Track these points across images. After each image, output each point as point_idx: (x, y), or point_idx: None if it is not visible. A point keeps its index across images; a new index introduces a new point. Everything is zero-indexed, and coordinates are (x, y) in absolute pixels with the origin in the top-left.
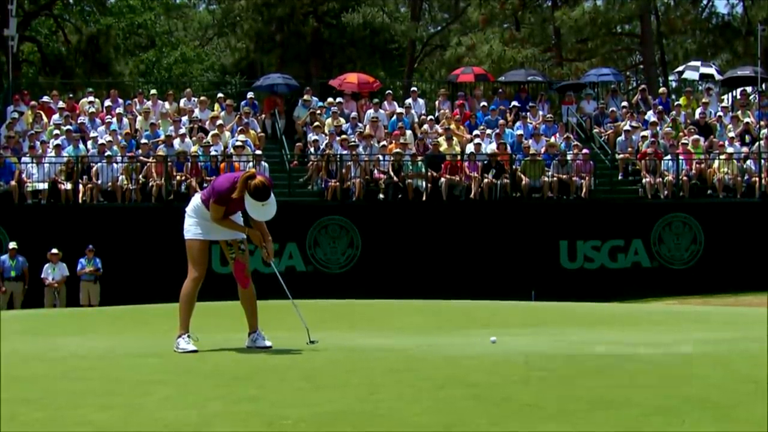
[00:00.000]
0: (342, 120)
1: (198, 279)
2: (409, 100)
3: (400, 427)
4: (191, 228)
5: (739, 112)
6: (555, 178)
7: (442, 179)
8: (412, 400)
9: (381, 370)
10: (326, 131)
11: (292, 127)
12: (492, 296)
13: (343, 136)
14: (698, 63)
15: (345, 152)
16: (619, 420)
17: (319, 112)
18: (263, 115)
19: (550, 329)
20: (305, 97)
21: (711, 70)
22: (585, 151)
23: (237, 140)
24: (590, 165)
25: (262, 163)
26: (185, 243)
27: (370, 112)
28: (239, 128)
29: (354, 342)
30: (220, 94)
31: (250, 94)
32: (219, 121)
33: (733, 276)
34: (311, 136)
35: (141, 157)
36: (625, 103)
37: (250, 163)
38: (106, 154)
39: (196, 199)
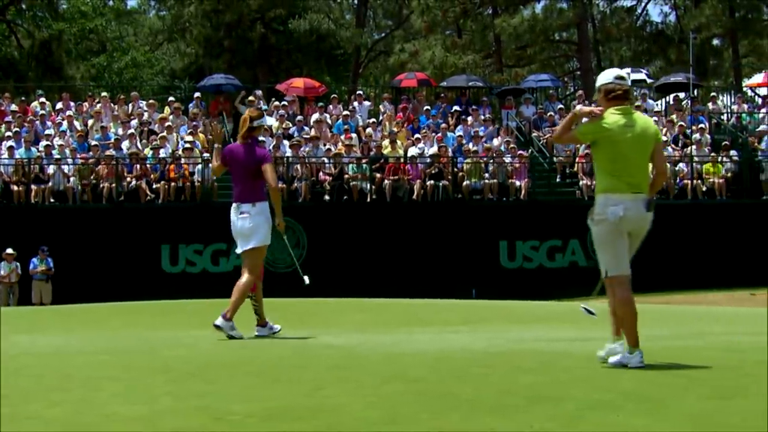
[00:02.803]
0: (288, 123)
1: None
2: (354, 104)
3: (345, 422)
4: (268, 234)
5: (673, 117)
6: (495, 180)
7: (386, 181)
8: (356, 395)
9: (327, 366)
10: (273, 134)
11: None
12: (434, 295)
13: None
14: (628, 70)
15: (291, 154)
16: (556, 414)
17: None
18: (212, 118)
19: (490, 327)
20: (250, 97)
21: (641, 76)
22: (524, 153)
23: (185, 142)
24: (528, 167)
25: (210, 166)
26: (258, 249)
27: (316, 115)
28: (188, 130)
29: (302, 339)
30: (170, 98)
31: (197, 94)
32: (168, 123)
33: (667, 275)
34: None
35: (92, 159)
36: (562, 107)
37: (199, 165)
38: (57, 156)
39: (265, 203)
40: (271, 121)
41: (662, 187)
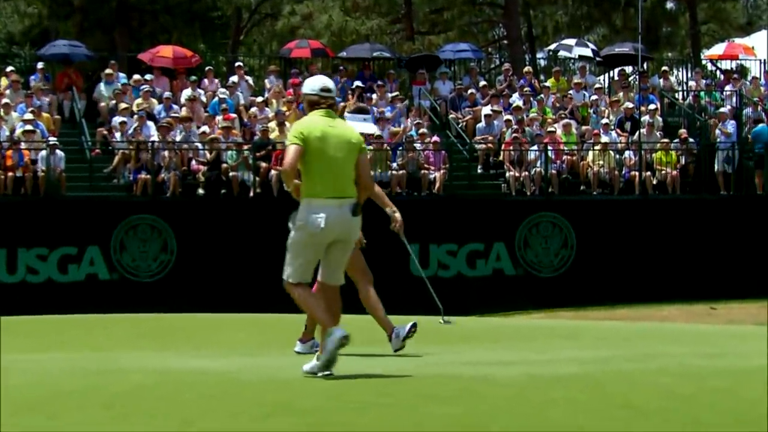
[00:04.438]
0: (154, 101)
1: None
2: (233, 78)
3: None
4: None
5: (619, 95)
6: (404, 171)
7: (273, 171)
8: (234, 431)
9: (196, 396)
10: (135, 113)
11: (93, 108)
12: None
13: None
14: (572, 42)
15: (157, 139)
16: None
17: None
18: (60, 95)
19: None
20: (108, 71)
21: (587, 51)
22: (436, 139)
23: (25, 123)
24: (444, 155)
25: (57, 152)
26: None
27: (188, 91)
28: (29, 109)
29: (165, 363)
30: (8, 68)
31: (40, 65)
32: (5, 100)
33: (609, 286)
34: (117, 119)
35: None
36: (485, 83)
37: (43, 152)
38: None
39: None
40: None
41: (604, 180)
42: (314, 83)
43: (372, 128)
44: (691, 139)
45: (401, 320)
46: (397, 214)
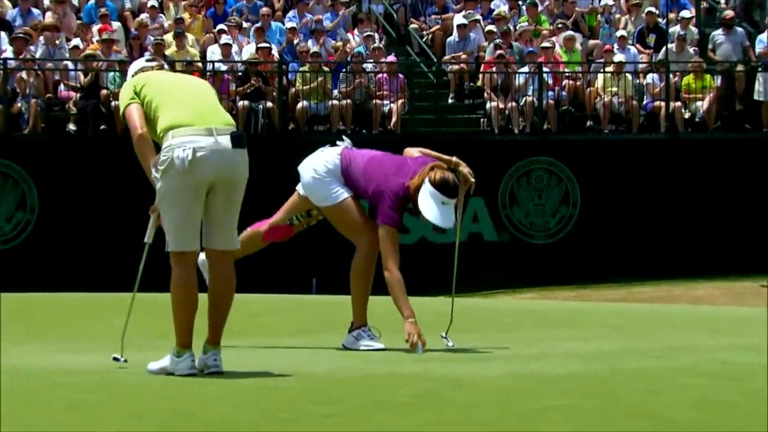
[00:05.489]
0: (6, 2)
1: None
2: None
3: None
4: (337, 189)
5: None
6: (348, 101)
7: None
8: None
9: (65, 405)
10: None
11: None
12: (265, 288)
13: None
14: None
15: (11, 55)
16: None
17: None
18: None
19: (335, 336)
20: None
21: None
22: (392, 58)
23: None
24: (403, 80)
25: None
26: (333, 209)
27: None
28: None
29: (25, 360)
30: None
31: None
32: None
33: (623, 256)
34: None
35: None
36: None
37: None
38: None
39: (331, 157)
40: None
41: (618, 113)
42: (136, 64)
43: (448, 222)
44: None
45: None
46: (466, 169)
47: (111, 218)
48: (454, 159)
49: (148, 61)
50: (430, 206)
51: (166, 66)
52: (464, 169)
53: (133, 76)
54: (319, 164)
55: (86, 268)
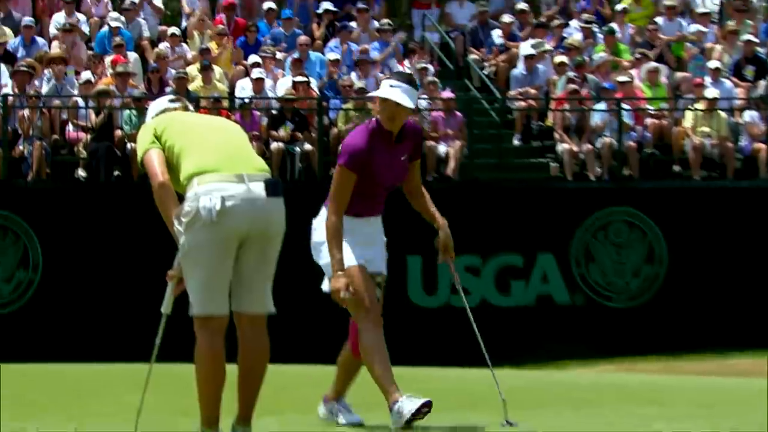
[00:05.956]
0: (7, 31)
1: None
2: None
3: None
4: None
5: (731, 23)
6: None
7: None
8: None
9: None
10: None
11: None
12: (299, 358)
13: None
14: None
15: (12, 91)
16: None
17: None
18: None
19: (377, 412)
20: None
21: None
22: (448, 93)
23: None
24: (462, 119)
25: None
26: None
27: (60, 16)
28: None
29: None
30: None
31: None
32: None
33: (719, 322)
34: None
35: None
36: (524, 6)
37: None
38: None
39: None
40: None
41: (710, 157)
42: (157, 105)
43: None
44: None
45: (402, 374)
46: (448, 238)
47: (125, 279)
48: (441, 221)
49: (171, 101)
50: (385, 90)
51: (191, 107)
52: (442, 233)
53: (153, 118)
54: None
55: (96, 335)
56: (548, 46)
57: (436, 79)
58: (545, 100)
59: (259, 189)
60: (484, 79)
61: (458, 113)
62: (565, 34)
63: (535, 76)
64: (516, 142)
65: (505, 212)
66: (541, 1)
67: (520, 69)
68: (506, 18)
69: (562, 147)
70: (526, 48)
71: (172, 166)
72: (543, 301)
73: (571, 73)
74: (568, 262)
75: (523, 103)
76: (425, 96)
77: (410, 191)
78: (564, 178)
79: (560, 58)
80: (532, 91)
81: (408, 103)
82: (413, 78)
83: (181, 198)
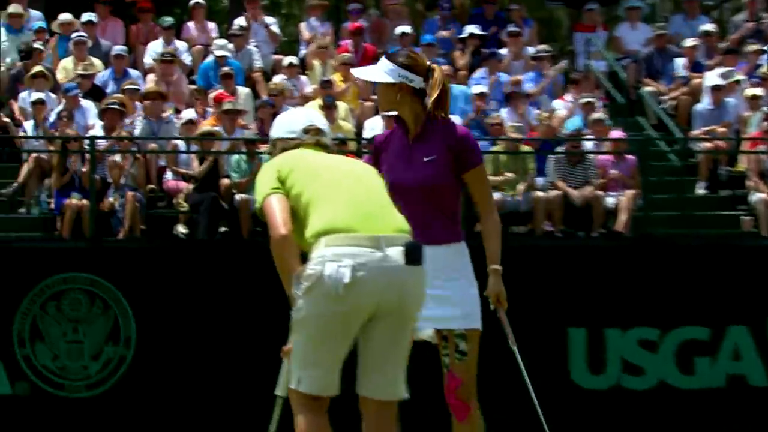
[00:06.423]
0: (95, 61)
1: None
2: (241, 21)
3: None
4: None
5: None
6: (557, 193)
7: None
8: None
9: None
10: (61, 85)
11: None
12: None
13: None
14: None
15: (101, 133)
16: None
17: None
18: None
19: None
20: (12, 7)
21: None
22: (619, 133)
23: None
24: (633, 164)
25: None
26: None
27: (157, 44)
28: None
29: None
30: None
31: None
32: None
33: None
34: (27, 96)
35: None
36: (711, 27)
37: None
38: None
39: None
40: None
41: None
42: (287, 125)
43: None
44: None
45: None
46: (495, 286)
47: (233, 354)
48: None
49: (305, 131)
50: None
51: (327, 140)
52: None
53: (277, 141)
54: None
55: (198, 420)
56: (740, 76)
57: (603, 116)
58: (736, 140)
59: (396, 255)
60: (661, 115)
61: (630, 156)
62: (760, 61)
63: (724, 112)
64: (700, 190)
65: (688, 275)
66: (730, 22)
67: (705, 103)
68: (689, 42)
69: (756, 197)
70: (712, 78)
71: (297, 217)
72: (735, 383)
73: (766, 108)
74: (765, 336)
75: (709, 144)
76: (590, 136)
77: (478, 212)
78: (759, 233)
79: (753, 91)
80: (720, 129)
81: (379, 78)
82: (403, 53)
83: (304, 257)
